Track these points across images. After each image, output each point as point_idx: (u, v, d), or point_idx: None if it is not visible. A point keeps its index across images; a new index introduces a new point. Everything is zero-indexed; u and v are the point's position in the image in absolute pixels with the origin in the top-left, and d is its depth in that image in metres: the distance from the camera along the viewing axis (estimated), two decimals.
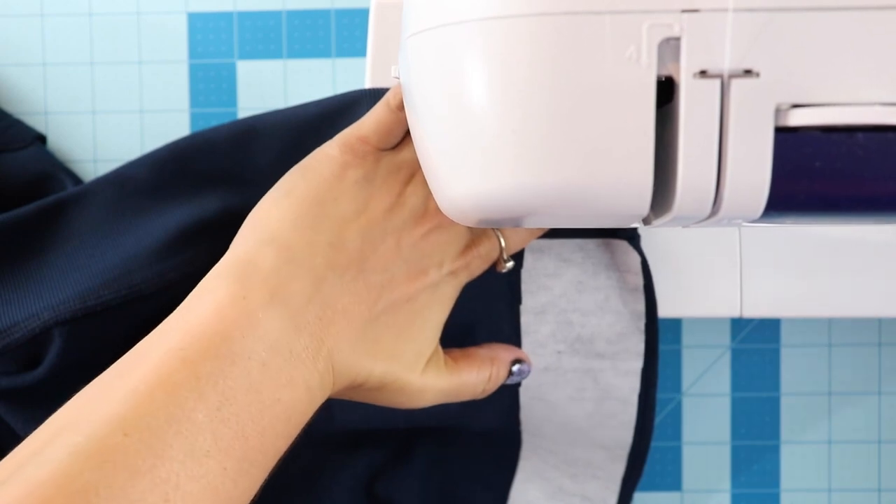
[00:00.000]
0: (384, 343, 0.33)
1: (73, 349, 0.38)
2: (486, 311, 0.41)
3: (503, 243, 0.36)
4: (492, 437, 0.43)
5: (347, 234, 0.33)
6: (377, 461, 0.43)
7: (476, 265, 0.36)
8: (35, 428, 0.35)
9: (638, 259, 0.39)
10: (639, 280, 0.40)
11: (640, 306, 0.40)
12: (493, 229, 0.36)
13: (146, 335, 0.32)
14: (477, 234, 0.36)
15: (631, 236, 0.40)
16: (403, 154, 0.35)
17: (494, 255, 0.36)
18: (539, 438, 0.42)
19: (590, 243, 0.40)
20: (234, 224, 0.36)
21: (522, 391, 0.42)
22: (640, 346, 0.40)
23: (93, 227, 0.40)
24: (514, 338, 0.41)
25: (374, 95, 0.39)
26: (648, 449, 0.42)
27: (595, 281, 0.40)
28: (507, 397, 0.42)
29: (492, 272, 0.38)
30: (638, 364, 0.41)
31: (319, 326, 0.31)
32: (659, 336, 0.40)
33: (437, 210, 0.34)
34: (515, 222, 0.27)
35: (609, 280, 0.40)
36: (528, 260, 0.40)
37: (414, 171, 0.35)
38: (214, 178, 0.40)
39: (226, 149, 0.40)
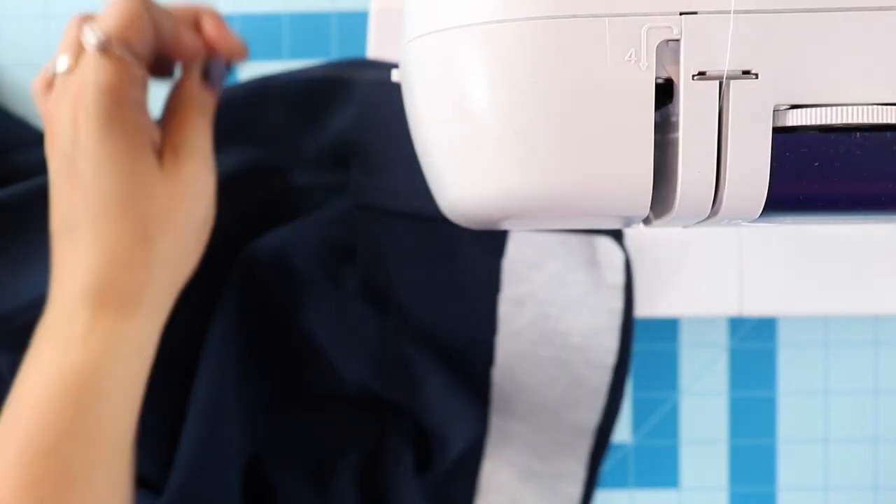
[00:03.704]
0: None
1: None
2: (464, 298, 0.41)
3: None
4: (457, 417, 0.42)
5: None
6: (365, 449, 0.43)
7: None
8: None
9: (621, 257, 0.40)
10: (619, 278, 0.40)
11: (618, 304, 0.40)
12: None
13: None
14: None
15: (615, 234, 0.40)
16: None
17: None
18: (506, 419, 0.42)
19: (572, 238, 0.40)
20: (251, 177, 0.39)
21: (495, 372, 0.42)
22: (614, 344, 0.41)
23: None
24: (489, 326, 0.41)
25: (374, 64, 0.41)
26: (614, 425, 0.42)
27: (575, 275, 0.40)
28: (477, 381, 0.42)
29: (477, 260, 0.39)
30: (610, 360, 0.41)
31: None
32: (634, 335, 0.41)
33: None
34: (517, 224, 0.27)
35: (589, 276, 0.40)
36: (510, 249, 0.41)
37: None
38: (232, 135, 0.41)
39: (244, 107, 0.42)
